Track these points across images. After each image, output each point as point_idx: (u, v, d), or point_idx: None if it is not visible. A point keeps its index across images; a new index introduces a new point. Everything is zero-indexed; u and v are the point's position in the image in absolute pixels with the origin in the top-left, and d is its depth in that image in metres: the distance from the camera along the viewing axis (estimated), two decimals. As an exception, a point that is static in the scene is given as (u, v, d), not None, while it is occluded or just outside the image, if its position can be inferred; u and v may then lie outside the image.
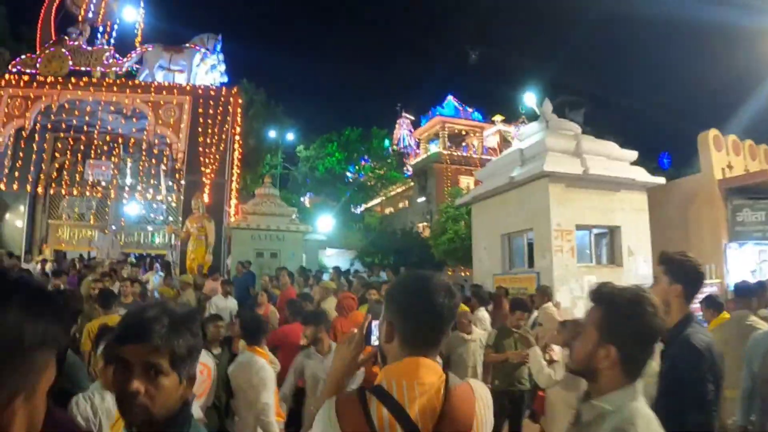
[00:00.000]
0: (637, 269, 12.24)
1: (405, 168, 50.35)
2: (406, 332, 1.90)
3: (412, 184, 48.38)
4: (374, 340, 2.08)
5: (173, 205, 22.81)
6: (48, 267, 16.33)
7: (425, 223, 41.94)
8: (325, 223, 36.86)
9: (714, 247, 13.61)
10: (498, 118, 47.74)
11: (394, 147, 51.47)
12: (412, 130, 51.46)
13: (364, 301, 9.28)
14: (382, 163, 49.30)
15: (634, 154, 13.28)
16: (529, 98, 14.89)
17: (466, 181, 41.48)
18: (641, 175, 12.79)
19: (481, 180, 15.59)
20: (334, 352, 2.23)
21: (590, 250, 12.35)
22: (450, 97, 47.20)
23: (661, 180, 13.30)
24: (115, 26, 22.41)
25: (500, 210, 13.63)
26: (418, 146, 50.36)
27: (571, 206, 11.84)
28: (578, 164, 11.98)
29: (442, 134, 45.63)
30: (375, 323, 2.09)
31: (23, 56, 20.98)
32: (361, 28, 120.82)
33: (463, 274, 27.65)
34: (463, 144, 46.94)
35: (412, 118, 52.42)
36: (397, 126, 52.28)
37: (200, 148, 19.72)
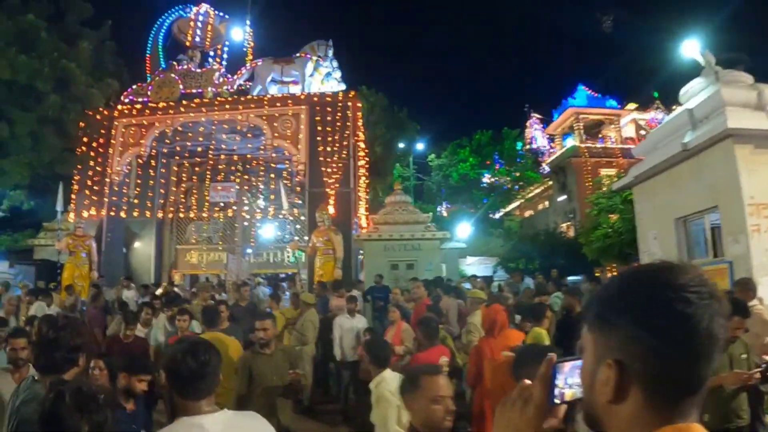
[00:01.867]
0: None
1: (541, 167, 47.97)
2: (662, 379, 1.11)
3: (550, 183, 45.88)
4: (562, 395, 1.24)
5: (299, 219, 22.17)
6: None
7: (569, 223, 39.77)
8: (464, 230, 35.29)
9: None
10: (631, 106, 44.67)
11: (528, 147, 49.25)
12: (544, 128, 49.05)
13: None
14: (516, 164, 47.76)
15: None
16: (690, 47, 12.42)
17: (608, 174, 38.71)
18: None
19: (640, 156, 13.27)
20: (495, 417, 1.28)
21: (792, 229, 9.74)
22: (581, 86, 44.45)
23: None
24: (225, 49, 22.29)
25: (671, 188, 11.20)
26: (551, 144, 47.91)
27: (765, 173, 9.27)
28: (764, 119, 9.54)
29: (576, 126, 43.05)
30: (567, 366, 1.25)
31: (134, 86, 21.23)
32: (478, 25, 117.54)
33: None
34: (600, 135, 44.12)
35: (542, 117, 50.12)
36: (527, 127, 50.08)
37: (321, 158, 18.69)
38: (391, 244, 17.91)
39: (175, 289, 17.18)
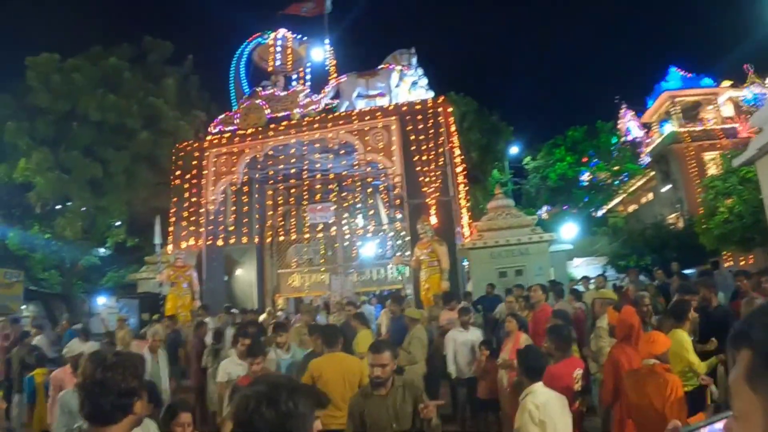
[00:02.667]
0: None
1: (640, 159, 46.11)
2: None
3: (652, 173, 44.09)
4: None
5: (400, 233, 21.91)
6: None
7: (676, 214, 38.12)
8: (568, 231, 34.13)
9: None
10: (726, 83, 42.37)
11: (623, 140, 47.56)
12: (639, 116, 47.27)
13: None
14: (614, 159, 46.24)
15: None
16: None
17: (711, 157, 36.85)
18: None
19: (759, 126, 12.06)
20: None
21: None
22: (672, 68, 42.53)
23: None
24: (308, 70, 22.32)
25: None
26: (648, 134, 46.07)
27: None
28: None
29: (673, 111, 41.22)
30: None
31: (221, 116, 21.56)
32: (559, 19, 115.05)
33: (742, 262, 23.66)
34: (699, 118, 42.07)
35: (634, 108, 48.39)
36: (620, 119, 48.39)
37: (417, 168, 18.19)
38: (497, 250, 17.16)
39: (279, 313, 17.51)
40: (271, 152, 20.08)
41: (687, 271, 17.10)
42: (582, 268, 31.48)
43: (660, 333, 5.55)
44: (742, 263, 23.58)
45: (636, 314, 6.05)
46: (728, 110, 41.23)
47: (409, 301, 14.74)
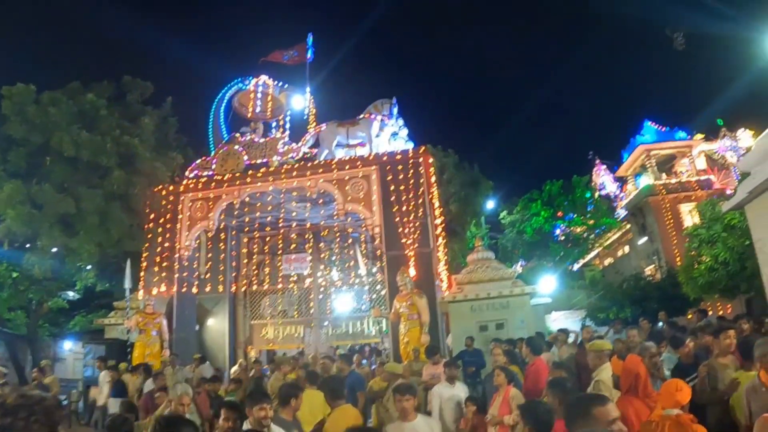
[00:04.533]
0: None
1: (615, 212, 46.56)
2: None
3: (628, 226, 44.46)
4: None
5: (376, 287, 21.52)
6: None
7: (653, 265, 38.25)
8: (546, 285, 34.09)
9: None
10: (699, 137, 43.24)
11: (597, 194, 48.07)
12: (614, 170, 47.89)
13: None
14: (588, 212, 46.95)
15: None
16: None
17: (687, 209, 37.23)
18: None
19: (747, 170, 11.95)
20: None
21: None
22: (647, 122, 43.32)
23: None
24: (287, 118, 22.27)
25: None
26: (622, 187, 46.61)
27: None
28: None
29: (648, 164, 41.79)
30: None
31: (198, 161, 21.26)
32: (538, 76, 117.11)
33: (720, 312, 23.75)
34: (673, 171, 42.71)
35: (608, 164, 49.06)
36: (594, 174, 48.96)
37: (397, 219, 17.83)
38: (478, 304, 16.89)
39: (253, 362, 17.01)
40: (247, 199, 19.69)
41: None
42: (561, 321, 31.47)
43: (683, 381, 5.23)
44: (720, 312, 23.61)
45: (641, 364, 5.71)
46: (702, 163, 41.88)
47: (387, 355, 14.41)
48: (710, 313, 23.16)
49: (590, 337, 11.70)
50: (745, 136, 39.46)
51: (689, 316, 18.64)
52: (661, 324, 16.73)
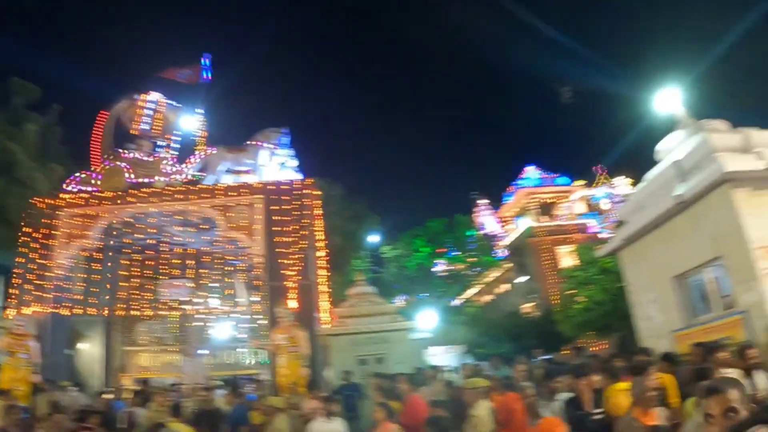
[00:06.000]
0: None
1: (494, 251, 47.97)
2: None
3: (509, 266, 45.64)
4: None
5: (254, 317, 20.59)
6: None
7: (532, 303, 39.46)
8: (426, 320, 34.36)
9: None
10: (578, 183, 45.52)
11: (479, 234, 49.30)
12: (494, 212, 49.34)
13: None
14: (470, 251, 47.91)
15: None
16: (667, 99, 11.94)
17: (565, 251, 38.75)
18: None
19: (623, 219, 12.69)
20: None
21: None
22: (530, 168, 45.31)
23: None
24: (176, 138, 21.33)
25: (664, 246, 10.60)
26: (504, 228, 48.06)
27: (765, 214, 8.77)
28: (755, 160, 8.99)
29: (530, 207, 43.45)
30: None
31: (79, 174, 20.08)
32: (429, 115, 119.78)
33: (594, 348, 24.77)
34: (553, 213, 44.50)
35: (488, 201, 50.67)
36: (476, 214, 50.33)
37: (279, 250, 17.61)
38: (358, 338, 16.65)
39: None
40: (129, 219, 18.91)
41: (545, 357, 17.49)
42: (440, 356, 31.71)
43: (558, 420, 5.34)
44: (594, 349, 24.58)
45: (519, 400, 5.76)
46: (580, 207, 43.72)
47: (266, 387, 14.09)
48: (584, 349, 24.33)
49: (469, 374, 11.78)
50: (622, 184, 41.62)
51: (566, 352, 19.26)
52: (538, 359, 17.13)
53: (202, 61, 22.62)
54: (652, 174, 11.24)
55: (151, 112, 20.98)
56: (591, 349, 24.43)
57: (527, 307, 39.22)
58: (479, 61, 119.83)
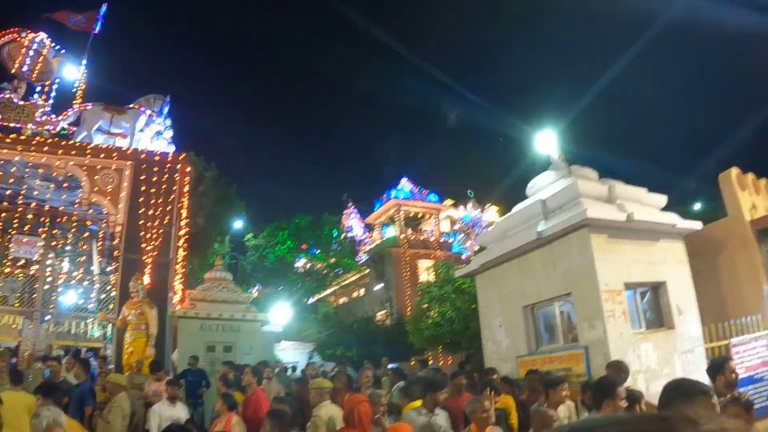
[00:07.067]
0: (690, 331, 9.97)
1: (357, 255, 48.27)
2: None
3: (367, 271, 46.15)
4: None
5: (108, 288, 19.70)
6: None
7: (385, 311, 40.14)
8: (279, 313, 34.27)
9: (755, 295, 11.33)
10: (448, 202, 46.84)
11: (344, 235, 49.60)
12: (362, 217, 49.80)
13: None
14: (333, 251, 48.24)
15: (663, 199, 11.08)
16: (544, 140, 12.56)
17: (425, 265, 39.59)
18: (678, 220, 10.50)
19: (484, 245, 13.12)
20: None
21: (638, 313, 9.91)
22: (404, 180, 45.87)
23: (697, 225, 10.84)
24: (54, 86, 19.78)
25: (520, 276, 11.04)
26: (369, 233, 48.56)
27: (617, 261, 9.49)
28: (615, 211, 9.70)
29: (397, 218, 44.07)
30: None
31: None
32: (314, 115, 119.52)
33: (441, 363, 25.74)
34: (419, 228, 45.37)
35: (358, 206, 51.09)
36: (344, 216, 50.61)
37: (141, 222, 17.06)
38: (209, 323, 16.35)
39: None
40: (-12, 164, 17.50)
41: (393, 365, 17.84)
42: (290, 352, 31.81)
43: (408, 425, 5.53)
44: (441, 363, 25.79)
45: (365, 402, 5.86)
46: (446, 226, 44.92)
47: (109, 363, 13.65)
48: (431, 362, 25.20)
49: (314, 374, 11.83)
50: (491, 211, 43.24)
51: (412, 363, 19.76)
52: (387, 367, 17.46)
53: (99, 9, 21.10)
54: (519, 207, 11.76)
55: (34, 54, 19.39)
56: (438, 363, 25.44)
57: (380, 315, 39.78)
58: (378, 76, 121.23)
